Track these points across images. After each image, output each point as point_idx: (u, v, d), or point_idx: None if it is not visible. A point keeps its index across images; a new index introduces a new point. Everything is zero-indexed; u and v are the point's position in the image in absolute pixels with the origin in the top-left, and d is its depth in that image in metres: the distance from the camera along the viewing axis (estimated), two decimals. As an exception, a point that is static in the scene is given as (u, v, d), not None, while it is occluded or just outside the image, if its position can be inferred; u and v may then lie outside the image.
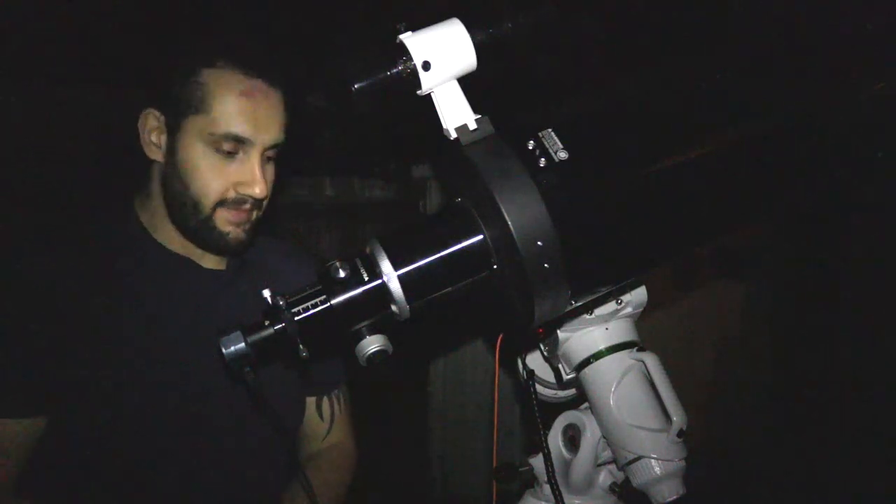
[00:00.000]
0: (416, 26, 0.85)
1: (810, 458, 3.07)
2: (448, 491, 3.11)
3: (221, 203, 1.26)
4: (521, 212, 0.77)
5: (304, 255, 1.57)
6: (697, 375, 3.08)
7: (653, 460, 1.01)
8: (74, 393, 1.23)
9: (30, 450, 1.24)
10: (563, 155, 0.81)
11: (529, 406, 1.15)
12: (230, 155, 1.24)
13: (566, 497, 1.10)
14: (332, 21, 2.41)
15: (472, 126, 0.85)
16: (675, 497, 1.01)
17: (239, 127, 1.23)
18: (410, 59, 0.83)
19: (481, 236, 0.85)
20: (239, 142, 1.24)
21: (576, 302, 0.89)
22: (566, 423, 1.18)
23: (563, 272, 0.80)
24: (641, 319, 1.14)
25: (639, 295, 1.10)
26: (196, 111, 1.22)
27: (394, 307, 0.86)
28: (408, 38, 0.84)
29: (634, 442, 1.03)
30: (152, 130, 1.27)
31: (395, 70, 0.83)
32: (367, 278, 0.84)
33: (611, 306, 1.08)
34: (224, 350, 0.83)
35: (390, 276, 0.83)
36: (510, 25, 0.86)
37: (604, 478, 1.15)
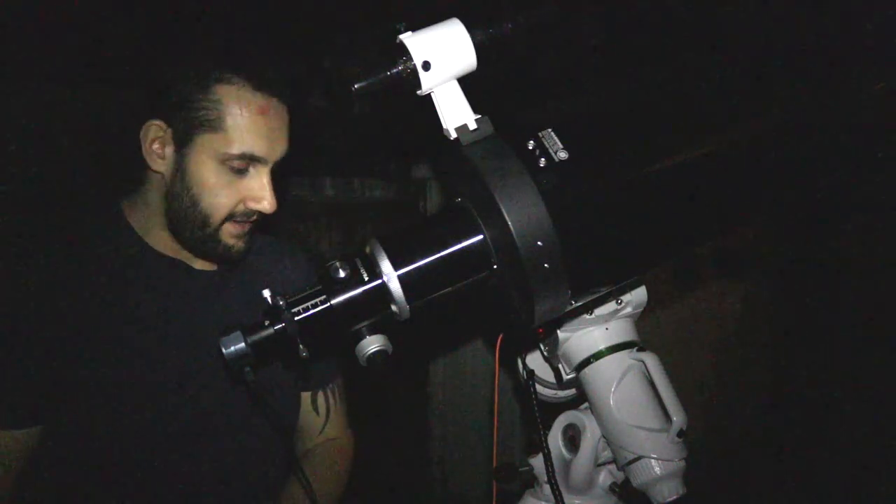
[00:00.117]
0: (416, 26, 0.85)
1: (810, 457, 3.07)
2: (448, 491, 3.11)
3: (229, 217, 1.25)
4: (521, 212, 0.77)
5: (297, 254, 1.56)
6: (697, 375, 3.08)
7: (653, 460, 1.01)
8: (70, 398, 1.22)
9: (25, 460, 1.24)
10: (563, 155, 0.81)
11: (529, 406, 1.16)
12: (241, 171, 1.22)
13: (566, 497, 1.10)
14: (332, 21, 2.41)
15: (472, 126, 0.85)
16: (675, 497, 1.01)
17: (254, 146, 1.21)
18: (410, 59, 0.83)
19: (481, 236, 0.85)
20: (252, 160, 1.22)
21: (576, 302, 0.89)
22: (566, 423, 1.18)
23: (563, 272, 0.80)
24: (641, 319, 1.14)
25: (639, 295, 1.10)
26: (209, 129, 1.19)
27: (394, 307, 0.86)
28: (408, 38, 0.84)
29: (634, 442, 1.03)
30: (156, 142, 1.23)
31: (395, 70, 0.83)
32: (367, 278, 0.85)
33: (611, 306, 1.08)
34: (224, 350, 0.83)
35: (390, 276, 0.83)
36: (510, 25, 0.86)
37: (604, 478, 1.15)
